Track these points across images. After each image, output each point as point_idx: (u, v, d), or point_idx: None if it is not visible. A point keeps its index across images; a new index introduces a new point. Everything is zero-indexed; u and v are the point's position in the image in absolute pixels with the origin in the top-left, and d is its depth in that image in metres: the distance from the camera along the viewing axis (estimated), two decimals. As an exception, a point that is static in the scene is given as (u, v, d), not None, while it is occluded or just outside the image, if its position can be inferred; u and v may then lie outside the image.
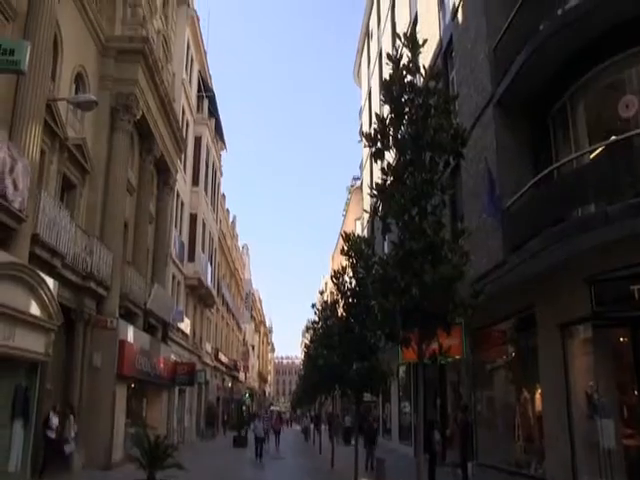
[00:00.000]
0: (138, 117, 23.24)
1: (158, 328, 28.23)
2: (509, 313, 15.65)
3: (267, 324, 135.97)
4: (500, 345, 17.08)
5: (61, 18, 17.07)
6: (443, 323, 9.92)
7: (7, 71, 13.17)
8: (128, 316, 22.88)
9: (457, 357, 16.92)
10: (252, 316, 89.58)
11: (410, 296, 9.57)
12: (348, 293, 17.99)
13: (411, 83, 10.65)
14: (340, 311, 19.18)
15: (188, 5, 36.42)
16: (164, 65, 29.68)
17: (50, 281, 15.23)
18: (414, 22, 26.07)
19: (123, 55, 22.38)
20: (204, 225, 41.11)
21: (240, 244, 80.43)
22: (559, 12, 12.42)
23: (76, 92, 19.30)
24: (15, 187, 13.54)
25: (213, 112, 45.81)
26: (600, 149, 11.73)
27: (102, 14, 21.83)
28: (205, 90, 43.30)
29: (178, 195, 34.45)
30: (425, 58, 17.31)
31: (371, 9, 40.77)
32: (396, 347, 12.52)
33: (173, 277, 33.31)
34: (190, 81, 38.55)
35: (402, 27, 28.08)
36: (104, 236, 20.71)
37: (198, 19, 39.42)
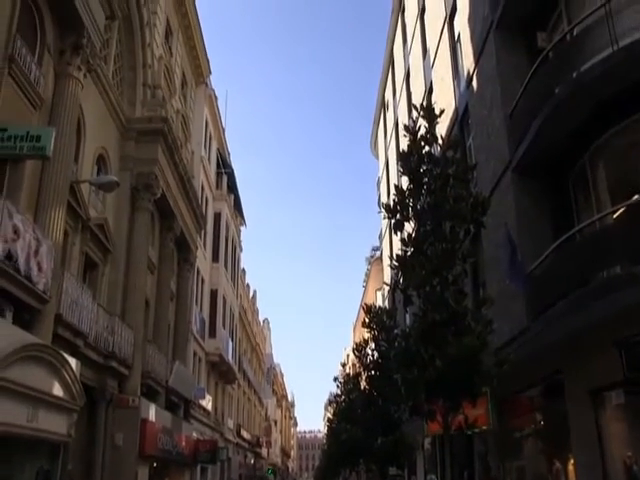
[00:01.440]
0: (158, 195, 23.62)
1: (180, 405, 27.95)
2: (535, 380, 15.27)
3: (289, 398, 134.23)
4: (528, 413, 16.62)
5: (84, 103, 17.59)
6: (468, 394, 9.74)
7: (33, 157, 13.55)
8: (150, 394, 22.71)
9: (484, 427, 16.51)
10: (274, 391, 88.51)
11: (434, 368, 9.44)
12: (370, 366, 17.81)
13: (429, 153, 10.77)
14: (363, 384, 18.96)
15: (206, 85, 37.45)
16: (183, 144, 30.37)
17: (73, 361, 15.20)
18: (429, 91, 26.47)
19: (143, 135, 22.91)
20: (225, 301, 41.16)
21: (261, 318, 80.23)
22: (574, 75, 12.50)
23: (98, 173, 19.70)
24: (39, 268, 13.69)
25: (232, 188, 46.48)
26: (623, 209, 11.60)
27: (123, 97, 22.49)
28: (224, 167, 44.09)
29: (198, 271, 34.64)
30: (441, 126, 17.45)
31: (386, 80, 41.58)
32: (421, 419, 12.28)
33: (194, 354, 33.15)
34: (209, 158, 39.30)
35: (417, 97, 28.56)
36: (126, 314, 20.79)
37: (216, 98, 40.51)
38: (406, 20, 34.04)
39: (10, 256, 12.55)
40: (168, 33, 28.65)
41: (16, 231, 12.84)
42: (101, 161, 20.21)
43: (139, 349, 21.23)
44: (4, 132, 12.64)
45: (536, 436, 16.47)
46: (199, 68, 35.24)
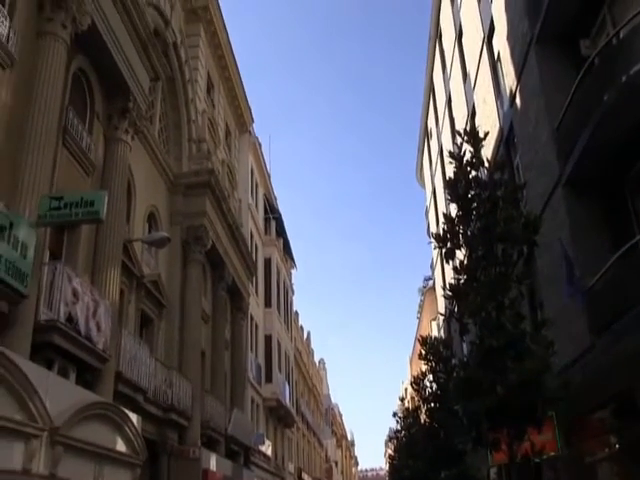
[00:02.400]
0: (209, 247, 24.11)
1: (240, 453, 28.04)
2: (605, 400, 14.24)
3: (349, 437, 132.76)
4: (600, 436, 15.43)
5: (133, 163, 18.22)
6: (533, 420, 9.58)
7: (88, 222, 14.06)
8: (210, 444, 22.91)
9: (552, 454, 15.92)
10: (333, 431, 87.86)
11: (495, 395, 9.32)
12: (430, 398, 17.62)
13: (476, 178, 10.73)
14: (423, 417, 18.77)
15: (250, 133, 38.21)
16: (230, 193, 30.96)
17: (134, 417, 15.51)
18: (472, 114, 26.26)
19: (191, 189, 23.53)
20: (279, 345, 41.33)
21: (316, 359, 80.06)
22: (623, 78, 12.16)
23: (149, 230, 20.27)
24: (99, 328, 14.12)
25: (280, 232, 46.97)
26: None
27: (170, 154, 23.20)
28: (271, 212, 44.64)
29: (252, 318, 34.97)
30: (487, 149, 17.17)
31: (428, 108, 41.49)
32: (485, 449, 12.06)
33: (252, 400, 33.30)
34: (256, 205, 39.88)
35: (460, 121, 28.46)
36: (183, 366, 21.13)
37: (260, 144, 41.26)
38: (444, 46, 34.02)
39: (71, 318, 13.01)
40: (210, 87, 29.51)
41: (75, 294, 13.32)
42: (152, 218, 20.82)
43: (197, 400, 21.50)
44: (60, 200, 13.14)
45: (611, 460, 15.54)
46: (241, 117, 36.06)
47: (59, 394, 11.73)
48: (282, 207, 56.14)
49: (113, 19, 16.00)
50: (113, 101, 16.86)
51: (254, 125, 38.97)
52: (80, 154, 14.97)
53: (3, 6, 12.32)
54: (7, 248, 10.88)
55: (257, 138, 40.08)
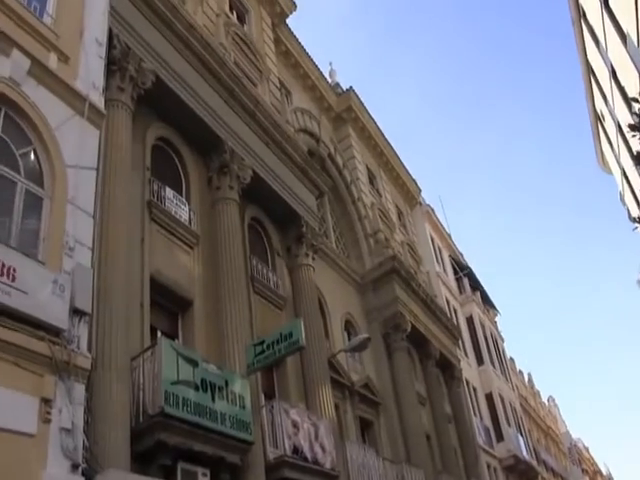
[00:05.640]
0: (409, 330, 24.70)
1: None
2: None
3: (604, 472, 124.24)
4: None
5: (319, 281, 19.43)
6: None
7: (291, 353, 15.18)
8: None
9: None
10: (583, 470, 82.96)
11: None
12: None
13: None
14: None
15: (420, 204, 38.83)
16: (416, 269, 31.58)
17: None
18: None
19: (378, 282, 24.46)
20: (502, 399, 40.49)
21: (544, 399, 76.76)
22: None
23: (349, 337, 21.28)
24: (323, 450, 15.05)
25: (475, 285, 46.51)
26: None
27: (350, 257, 24.41)
28: (460, 269, 44.42)
29: (467, 382, 34.81)
30: None
31: (592, 91, 39.41)
32: None
33: (488, 465, 32.83)
34: (444, 269, 40.11)
35: (632, 88, 26.77)
36: (411, 456, 21.52)
37: (432, 209, 41.64)
38: (590, 21, 32.38)
39: (296, 449, 14.02)
40: (371, 178, 30.70)
41: (295, 425, 14.41)
42: (348, 325, 21.91)
43: (432, 485, 21.78)
44: (262, 344, 14.40)
45: None
46: (409, 193, 36.84)
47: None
48: (469, 251, 55.25)
49: (271, 161, 17.56)
50: (288, 233, 18.34)
51: (422, 193, 39.51)
52: (270, 293, 16.41)
53: (180, 194, 14.17)
54: (228, 405, 12.16)
55: (429, 206, 40.57)
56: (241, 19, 21.91)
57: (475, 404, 35.34)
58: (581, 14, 34.30)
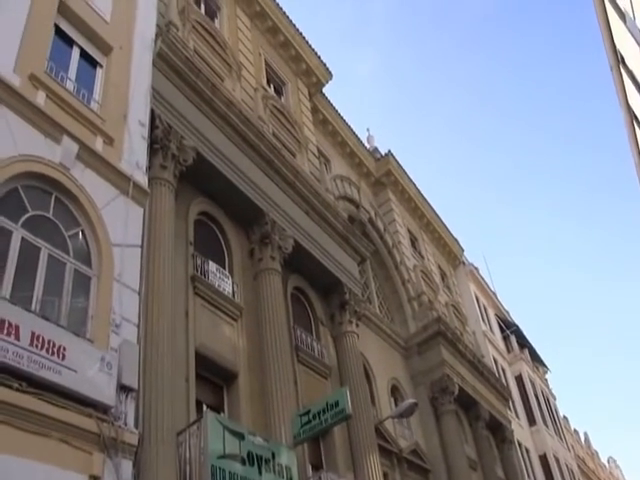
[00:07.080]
0: (457, 393, 24.29)
1: None
2: None
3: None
4: None
5: (363, 348, 19.35)
6: None
7: (338, 423, 15.01)
8: None
9: None
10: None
11: None
12: None
13: None
14: None
15: (463, 263, 38.61)
16: (462, 330, 31.21)
17: None
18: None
19: (424, 345, 24.23)
20: (557, 460, 39.17)
21: (604, 459, 73.81)
22: None
23: (395, 403, 21.04)
24: (373, 521, 14.81)
25: (523, 342, 45.61)
26: None
27: (394, 321, 24.31)
28: (507, 327, 43.72)
29: (519, 443, 33.82)
30: None
31: (623, 86, 38.87)
32: None
33: (547, 533, 31.63)
34: (491, 328, 39.52)
35: None
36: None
37: (476, 268, 41.28)
38: (630, 66, 32.15)
39: (345, 521, 13.86)
40: (413, 240, 30.76)
41: (343, 495, 14.24)
42: (395, 390, 21.68)
43: None
44: (308, 414, 14.32)
45: None
46: (451, 253, 36.71)
47: None
48: (516, 306, 54.29)
49: (312, 230, 17.77)
50: (331, 300, 18.39)
51: (465, 252, 39.35)
52: (315, 363, 16.38)
53: (223, 267, 14.42)
54: (275, 477, 12.01)
55: (472, 265, 40.31)
56: (278, 91, 22.54)
57: (529, 467, 34.24)
58: (619, 59, 34.21)
